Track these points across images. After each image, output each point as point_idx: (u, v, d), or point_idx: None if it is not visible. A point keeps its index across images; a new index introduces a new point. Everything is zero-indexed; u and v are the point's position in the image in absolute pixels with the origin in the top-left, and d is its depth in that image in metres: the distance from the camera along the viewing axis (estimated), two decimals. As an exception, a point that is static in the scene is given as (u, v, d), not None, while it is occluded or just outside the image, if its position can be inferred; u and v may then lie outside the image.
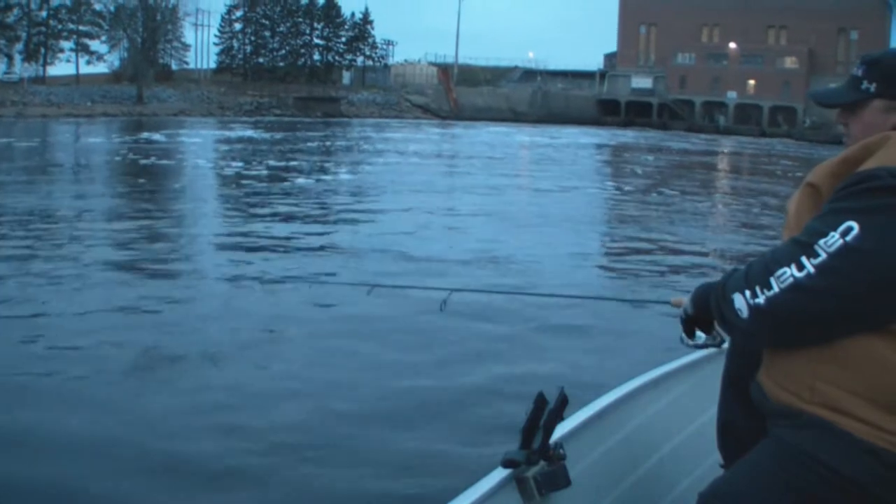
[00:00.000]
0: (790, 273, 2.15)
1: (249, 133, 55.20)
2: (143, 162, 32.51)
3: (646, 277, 14.38)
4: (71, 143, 44.73)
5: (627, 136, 77.94)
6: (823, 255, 2.11)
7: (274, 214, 19.39)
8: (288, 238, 16.35)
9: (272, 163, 33.44)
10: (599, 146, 59.90)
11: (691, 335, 2.92)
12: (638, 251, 16.77)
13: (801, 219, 2.29)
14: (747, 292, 2.23)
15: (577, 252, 16.02)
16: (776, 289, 2.17)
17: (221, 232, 17.05)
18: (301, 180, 26.89)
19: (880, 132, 2.33)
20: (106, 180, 27.54)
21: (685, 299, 2.96)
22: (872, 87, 2.46)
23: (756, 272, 2.23)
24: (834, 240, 2.11)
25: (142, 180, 26.47)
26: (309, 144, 45.46)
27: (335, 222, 18.94)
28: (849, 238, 2.09)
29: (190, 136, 48.47)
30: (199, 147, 41.88)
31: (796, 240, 2.20)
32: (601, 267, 15.47)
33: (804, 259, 2.14)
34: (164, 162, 32.91)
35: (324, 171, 30.81)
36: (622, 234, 19.07)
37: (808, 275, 2.13)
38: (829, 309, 2.14)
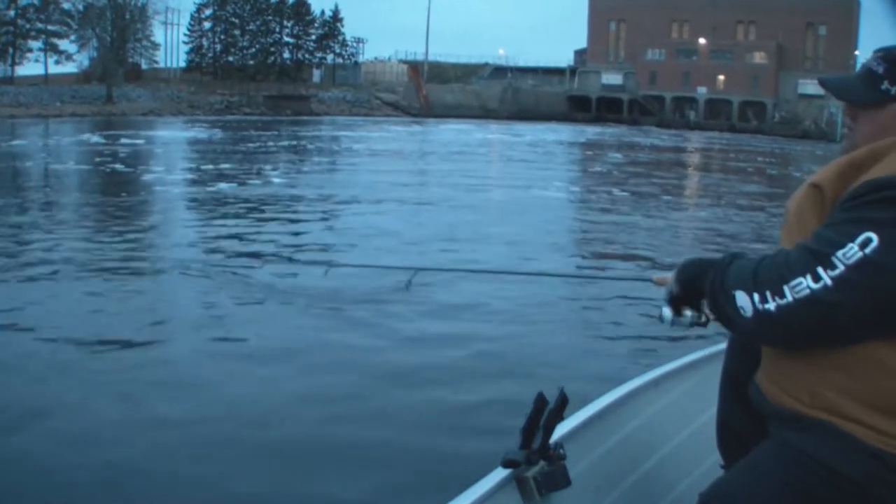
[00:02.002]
0: (806, 284, 2.10)
1: (195, 133, 54.10)
2: (54, 166, 31.01)
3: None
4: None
5: (597, 132, 77.64)
6: (842, 268, 2.07)
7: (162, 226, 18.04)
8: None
9: (203, 166, 31.65)
10: (566, 143, 59.11)
11: (679, 313, 2.79)
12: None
13: (803, 218, 2.26)
14: (756, 295, 2.17)
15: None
16: (790, 298, 2.12)
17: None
18: (222, 185, 25.23)
19: (892, 134, 2.28)
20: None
21: (669, 276, 2.93)
22: (894, 90, 2.33)
23: (767, 276, 2.18)
24: (853, 252, 2.06)
25: (29, 187, 25.20)
26: (250, 145, 43.87)
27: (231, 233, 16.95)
28: (868, 250, 2.05)
29: (133, 138, 46.08)
30: (134, 150, 39.30)
31: (811, 249, 2.14)
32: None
33: (821, 270, 2.09)
34: (81, 167, 30.93)
35: (251, 176, 28.62)
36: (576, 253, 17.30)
37: (826, 287, 2.08)
38: (843, 321, 2.11)
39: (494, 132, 68.83)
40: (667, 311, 2.84)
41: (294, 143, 47.10)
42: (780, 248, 2.27)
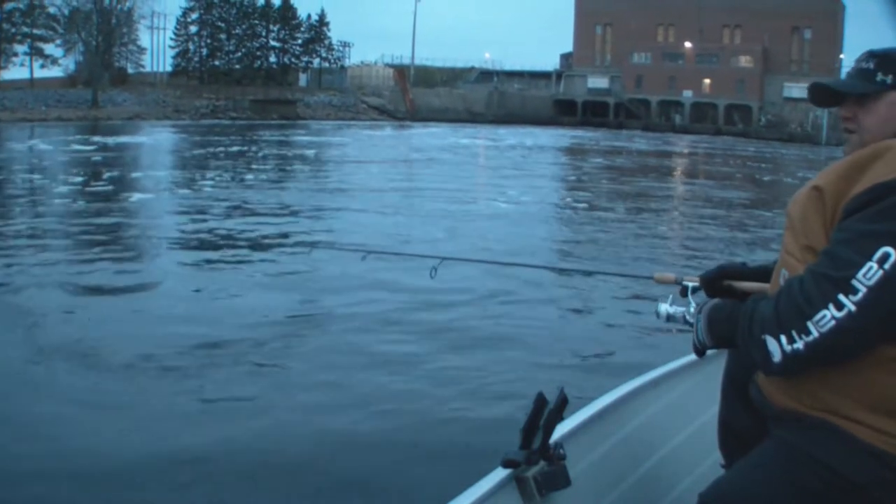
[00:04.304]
0: (830, 315, 2.06)
1: (162, 137, 53.38)
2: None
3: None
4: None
5: (580, 136, 76.53)
6: (864, 290, 2.03)
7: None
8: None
9: (134, 174, 30.48)
10: (544, 148, 57.33)
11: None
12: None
13: (807, 222, 2.25)
14: (783, 338, 2.13)
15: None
16: (815, 334, 2.08)
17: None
18: (139, 196, 23.63)
19: (893, 124, 2.31)
20: None
21: (671, 275, 2.96)
22: (889, 79, 2.36)
23: (788, 315, 2.13)
24: (873, 271, 2.03)
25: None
26: (205, 150, 42.31)
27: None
28: (887, 266, 2.02)
29: (83, 144, 43.87)
30: (74, 157, 36.67)
31: (827, 275, 2.09)
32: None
33: (842, 297, 2.05)
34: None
35: (183, 184, 27.00)
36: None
37: (850, 314, 2.04)
38: (871, 339, 2.09)
39: (472, 136, 67.29)
40: (663, 307, 2.89)
41: (245, 148, 45.24)
42: (791, 277, 2.23)
